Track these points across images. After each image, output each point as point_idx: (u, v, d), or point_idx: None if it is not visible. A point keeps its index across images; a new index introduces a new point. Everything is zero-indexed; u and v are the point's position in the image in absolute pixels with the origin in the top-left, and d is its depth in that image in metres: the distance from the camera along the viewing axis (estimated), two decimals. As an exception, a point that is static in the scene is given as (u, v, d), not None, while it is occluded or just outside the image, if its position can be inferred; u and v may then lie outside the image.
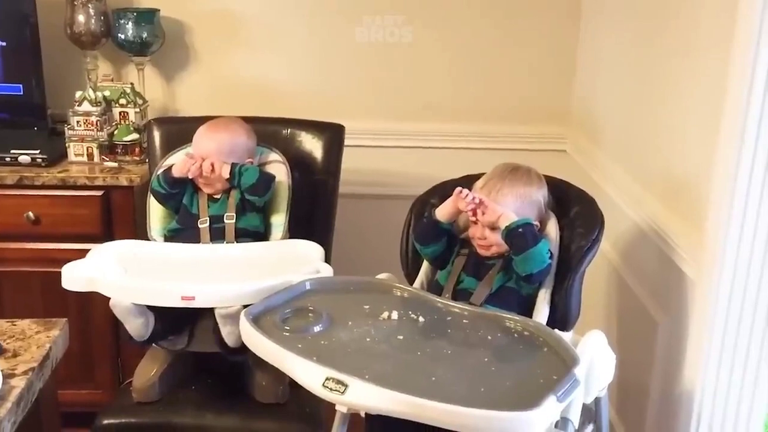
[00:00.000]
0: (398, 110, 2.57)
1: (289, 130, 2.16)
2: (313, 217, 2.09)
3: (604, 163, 2.26)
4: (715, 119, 1.52)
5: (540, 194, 1.70)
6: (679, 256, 1.70)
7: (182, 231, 1.94)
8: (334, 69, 2.55)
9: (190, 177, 1.90)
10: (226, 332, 1.66)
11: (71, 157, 2.33)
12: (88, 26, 2.39)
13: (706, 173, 1.56)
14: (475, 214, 1.63)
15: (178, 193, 1.94)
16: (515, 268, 1.60)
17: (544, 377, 1.31)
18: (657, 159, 1.89)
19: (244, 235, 1.92)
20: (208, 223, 1.91)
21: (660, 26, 1.89)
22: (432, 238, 1.71)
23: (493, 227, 1.63)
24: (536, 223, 1.66)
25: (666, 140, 1.84)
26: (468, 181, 1.76)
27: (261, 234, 1.96)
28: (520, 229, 1.58)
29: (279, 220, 1.97)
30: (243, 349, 1.52)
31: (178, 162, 1.94)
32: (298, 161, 2.09)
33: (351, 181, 2.25)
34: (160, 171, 1.97)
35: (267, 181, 1.93)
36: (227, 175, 1.90)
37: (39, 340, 1.34)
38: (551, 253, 1.61)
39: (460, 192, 1.63)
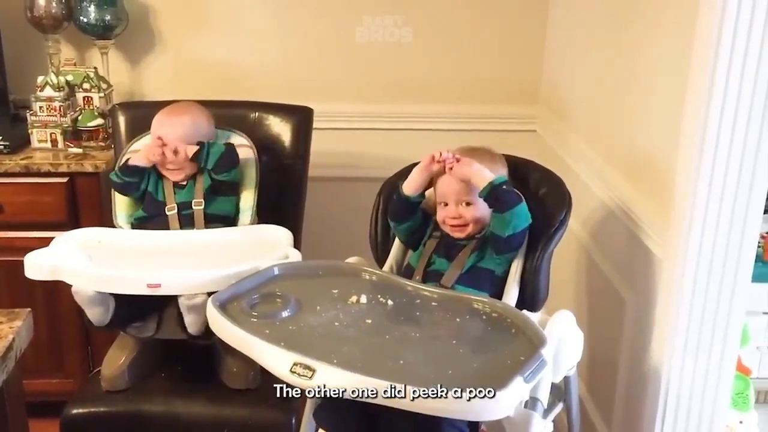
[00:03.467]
0: (366, 92, 2.55)
1: (256, 114, 2.14)
2: (282, 201, 2.08)
3: (573, 142, 2.27)
4: (679, 99, 1.53)
5: (504, 171, 1.70)
6: (646, 234, 1.71)
7: (149, 219, 1.91)
8: (301, 51, 2.52)
9: (152, 164, 1.88)
10: (189, 321, 1.65)
11: (34, 143, 2.29)
12: (48, 9, 2.34)
13: (672, 152, 1.57)
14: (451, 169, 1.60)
15: (137, 182, 1.91)
16: (497, 232, 1.58)
17: (511, 358, 1.32)
18: (624, 138, 1.89)
19: (213, 220, 1.90)
20: (176, 210, 1.89)
21: (627, 6, 1.89)
22: (404, 213, 1.69)
23: (469, 202, 1.63)
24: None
25: (633, 120, 1.84)
26: (436, 163, 1.76)
27: (231, 219, 1.94)
28: (504, 186, 1.56)
29: (247, 205, 1.95)
30: (208, 333, 1.51)
31: (140, 152, 1.91)
32: (266, 145, 2.07)
33: (320, 164, 2.24)
34: (121, 163, 1.95)
35: (231, 153, 1.91)
36: (191, 154, 1.87)
37: (2, 331, 1.31)
38: None
39: (433, 158, 1.62)
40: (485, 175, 1.58)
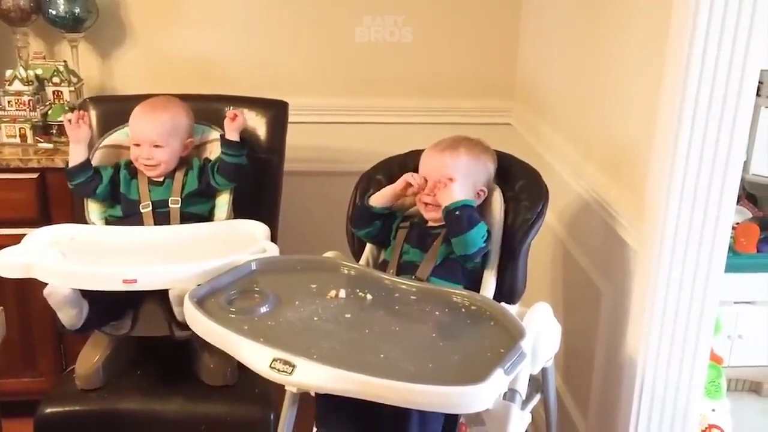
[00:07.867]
0: (341, 86, 2.55)
1: (230, 108, 2.11)
2: (258, 196, 2.06)
3: (548, 135, 2.28)
4: (654, 92, 1.54)
5: (492, 165, 1.72)
6: (621, 226, 1.73)
7: (123, 218, 1.88)
8: (276, 44, 2.51)
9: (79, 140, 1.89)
10: (178, 312, 1.61)
11: (3, 138, 2.25)
12: (16, 2, 2.29)
13: (647, 145, 1.58)
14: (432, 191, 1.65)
15: (89, 181, 1.88)
16: (454, 248, 1.62)
17: (491, 351, 1.32)
18: (599, 131, 1.91)
19: (189, 219, 1.88)
20: (150, 208, 1.86)
21: (601, 0, 1.91)
22: (366, 221, 1.72)
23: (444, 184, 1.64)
24: (483, 189, 1.68)
25: (608, 113, 1.86)
26: (413, 157, 1.76)
27: (206, 218, 1.92)
28: (457, 212, 1.59)
29: (223, 200, 1.94)
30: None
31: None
32: (241, 139, 2.05)
33: (296, 159, 2.22)
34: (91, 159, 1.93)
35: (243, 170, 1.92)
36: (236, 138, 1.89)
37: (-27, 330, 1.29)
38: (489, 234, 1.63)
39: (408, 184, 1.66)
40: (450, 195, 1.61)
